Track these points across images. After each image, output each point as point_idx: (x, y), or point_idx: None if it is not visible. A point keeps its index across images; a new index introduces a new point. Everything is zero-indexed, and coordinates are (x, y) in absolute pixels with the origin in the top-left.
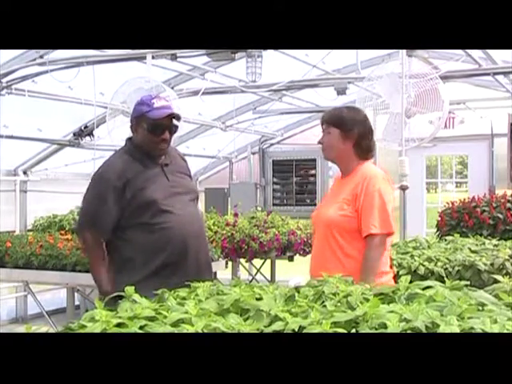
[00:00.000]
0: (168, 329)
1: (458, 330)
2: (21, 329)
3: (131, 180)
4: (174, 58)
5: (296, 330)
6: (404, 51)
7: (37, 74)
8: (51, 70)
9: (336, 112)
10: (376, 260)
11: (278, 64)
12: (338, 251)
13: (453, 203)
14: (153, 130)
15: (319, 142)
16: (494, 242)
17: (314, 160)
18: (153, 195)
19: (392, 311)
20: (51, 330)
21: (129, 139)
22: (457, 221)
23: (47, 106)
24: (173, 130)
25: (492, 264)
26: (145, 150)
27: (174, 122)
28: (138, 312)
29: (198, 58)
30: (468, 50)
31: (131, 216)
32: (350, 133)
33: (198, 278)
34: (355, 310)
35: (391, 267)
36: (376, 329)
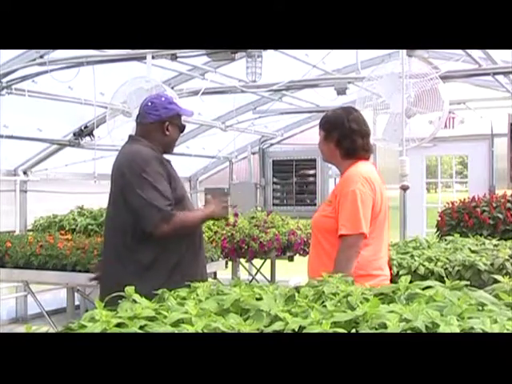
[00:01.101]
0: (168, 329)
1: (458, 330)
2: (21, 329)
3: (166, 173)
4: (174, 58)
5: (296, 329)
6: (404, 51)
7: (37, 74)
8: (51, 70)
9: (326, 114)
10: (346, 261)
11: (278, 64)
12: (322, 254)
13: (453, 203)
14: (182, 128)
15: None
16: (494, 241)
17: (314, 160)
18: (181, 192)
19: (392, 311)
20: (51, 330)
21: (135, 136)
22: (457, 221)
23: (47, 106)
24: None
25: (492, 264)
26: (168, 148)
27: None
28: (138, 312)
29: (198, 58)
30: (468, 50)
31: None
32: (330, 134)
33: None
34: (355, 310)
35: (390, 269)
36: (376, 329)
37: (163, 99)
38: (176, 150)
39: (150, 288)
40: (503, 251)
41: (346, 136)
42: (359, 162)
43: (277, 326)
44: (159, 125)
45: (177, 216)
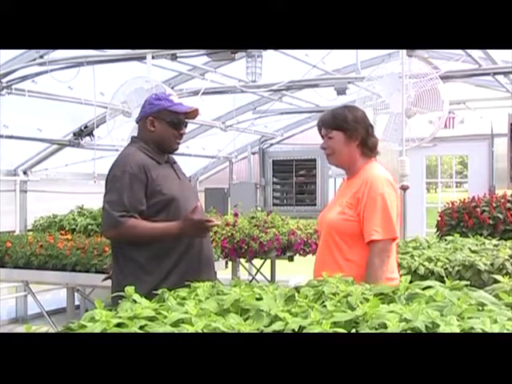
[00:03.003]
0: (168, 329)
1: (457, 330)
2: (21, 329)
3: (152, 176)
4: (174, 58)
5: (296, 330)
6: (404, 51)
7: (37, 74)
8: (51, 70)
9: (335, 114)
10: (380, 267)
11: (278, 64)
12: (338, 255)
13: (453, 203)
14: (174, 124)
15: (322, 148)
16: (494, 242)
17: (314, 160)
18: (172, 194)
19: (392, 311)
20: (51, 330)
21: (135, 137)
22: (457, 221)
23: (47, 106)
24: (186, 126)
25: (492, 264)
26: (160, 144)
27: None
28: (138, 312)
29: (198, 58)
30: (468, 50)
31: (148, 214)
32: (355, 133)
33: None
34: (355, 310)
35: (399, 271)
36: (376, 329)
37: (153, 96)
38: None
39: (146, 288)
40: (503, 251)
41: (370, 134)
42: (374, 163)
43: (277, 326)
44: (144, 121)
45: (127, 224)
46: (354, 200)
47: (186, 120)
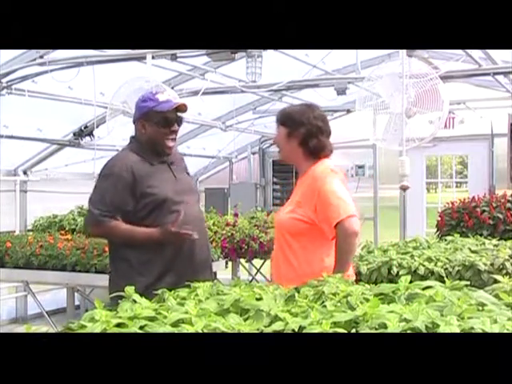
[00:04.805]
0: (168, 329)
1: (458, 330)
2: (21, 329)
3: (140, 177)
4: (174, 58)
5: (296, 329)
6: (404, 51)
7: (37, 74)
8: (51, 70)
9: (286, 110)
10: (349, 250)
11: (278, 64)
12: (290, 255)
13: (453, 203)
14: (163, 123)
15: (273, 142)
16: (494, 241)
17: None
18: (164, 194)
19: (392, 311)
20: (51, 330)
21: (133, 138)
22: (457, 221)
23: (47, 106)
24: (180, 121)
25: (492, 264)
26: (154, 146)
27: (180, 114)
28: (138, 312)
29: (198, 58)
30: (468, 50)
31: (139, 215)
32: (295, 132)
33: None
34: (355, 310)
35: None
36: (376, 329)
37: (140, 98)
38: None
39: (139, 289)
40: (503, 251)
41: (312, 135)
42: (323, 161)
43: (277, 326)
44: (137, 125)
45: (108, 224)
46: (304, 199)
47: (180, 115)
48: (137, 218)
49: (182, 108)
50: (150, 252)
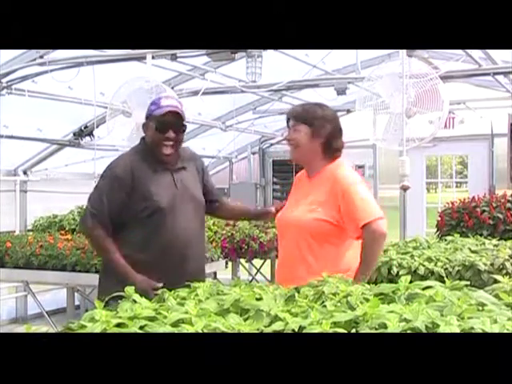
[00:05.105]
0: (168, 329)
1: (458, 330)
2: (21, 329)
3: (139, 181)
4: (174, 58)
5: (296, 330)
6: (404, 51)
7: (37, 74)
8: (51, 70)
9: (306, 108)
10: (377, 249)
11: (278, 64)
12: (309, 256)
13: (453, 203)
14: (158, 129)
15: (287, 139)
16: (494, 241)
17: None
18: (160, 202)
19: (392, 311)
20: (51, 330)
21: (143, 139)
22: (457, 221)
23: (47, 106)
24: (179, 128)
25: (492, 264)
26: (153, 150)
27: (179, 120)
28: (138, 312)
29: (198, 58)
30: (468, 50)
31: (135, 218)
32: (321, 130)
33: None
34: (355, 310)
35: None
36: (376, 329)
37: (152, 99)
38: None
39: (115, 284)
40: (503, 251)
41: (336, 136)
42: (339, 161)
43: (277, 326)
44: (145, 127)
45: (97, 233)
46: (325, 198)
47: (178, 121)
48: (131, 220)
49: (172, 114)
50: (141, 263)
